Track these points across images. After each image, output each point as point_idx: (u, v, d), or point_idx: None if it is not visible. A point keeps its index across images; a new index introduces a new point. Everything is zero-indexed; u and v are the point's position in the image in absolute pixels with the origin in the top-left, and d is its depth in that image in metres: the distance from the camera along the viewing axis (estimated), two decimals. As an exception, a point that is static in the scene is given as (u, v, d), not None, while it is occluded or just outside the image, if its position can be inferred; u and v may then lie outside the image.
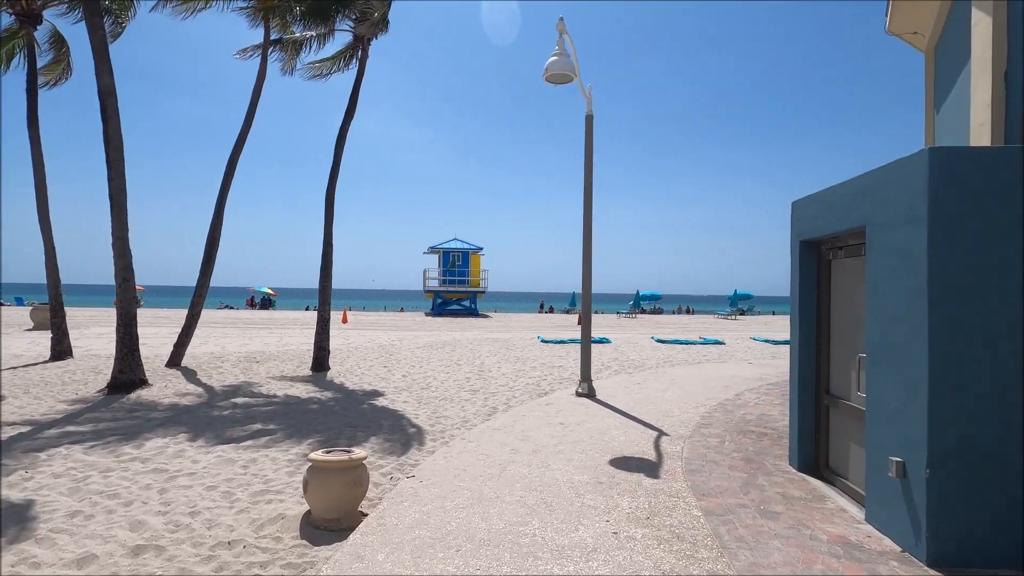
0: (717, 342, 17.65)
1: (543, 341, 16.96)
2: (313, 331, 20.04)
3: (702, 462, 4.97)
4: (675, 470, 4.75)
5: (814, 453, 4.64)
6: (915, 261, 3.16)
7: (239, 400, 7.98)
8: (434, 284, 32.95)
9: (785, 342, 18.00)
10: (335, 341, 16.04)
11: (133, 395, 8.15)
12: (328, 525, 3.90)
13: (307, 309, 44.09)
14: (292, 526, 3.94)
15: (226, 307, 39.38)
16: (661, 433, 6.02)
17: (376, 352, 13.74)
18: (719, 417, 6.83)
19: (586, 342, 8.42)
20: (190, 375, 9.92)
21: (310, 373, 10.41)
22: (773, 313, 48.61)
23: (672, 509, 3.85)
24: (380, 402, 8.04)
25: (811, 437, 4.66)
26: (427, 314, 33.25)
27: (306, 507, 4.12)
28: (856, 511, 3.82)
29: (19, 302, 34.26)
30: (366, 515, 3.92)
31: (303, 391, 8.73)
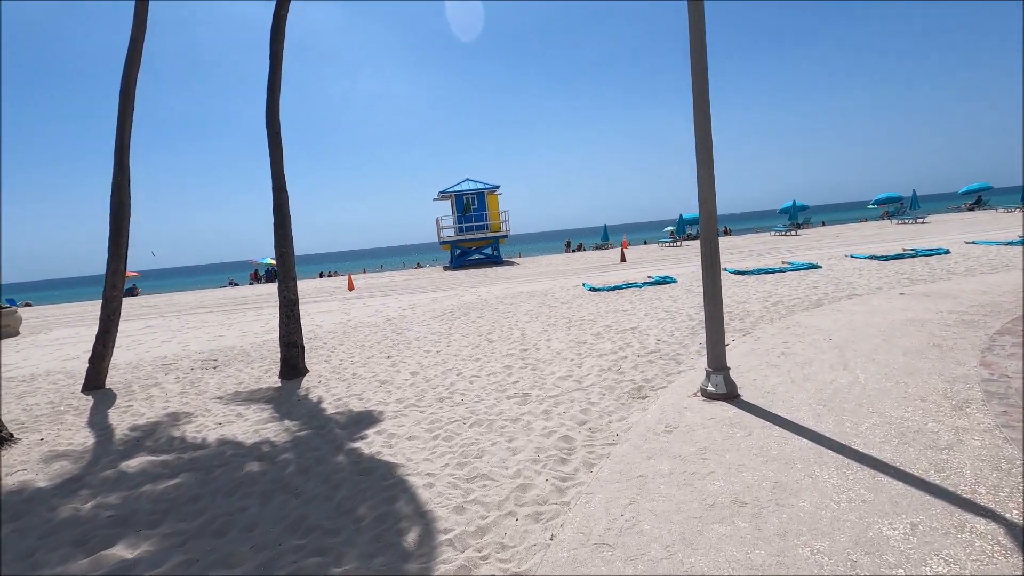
0: (811, 266, 13.86)
1: (591, 290, 13.42)
2: (315, 305, 16.90)
3: None
4: None
5: None
6: None
7: (136, 462, 4.73)
8: (449, 233, 29.20)
9: (896, 257, 14.10)
10: (333, 318, 12.81)
11: (-30, 469, 4.97)
12: None
13: (321, 276, 41.22)
14: None
15: (233, 284, 36.67)
16: None
17: (381, 331, 10.42)
18: (1050, 440, 3.27)
19: (715, 297, 4.78)
20: (102, 406, 6.74)
21: (278, 383, 7.14)
22: (823, 223, 43.95)
23: None
24: (369, 444, 4.70)
25: None
26: (445, 268, 29.83)
27: None
28: None
29: (11, 303, 31.90)
30: None
31: (251, 426, 5.44)
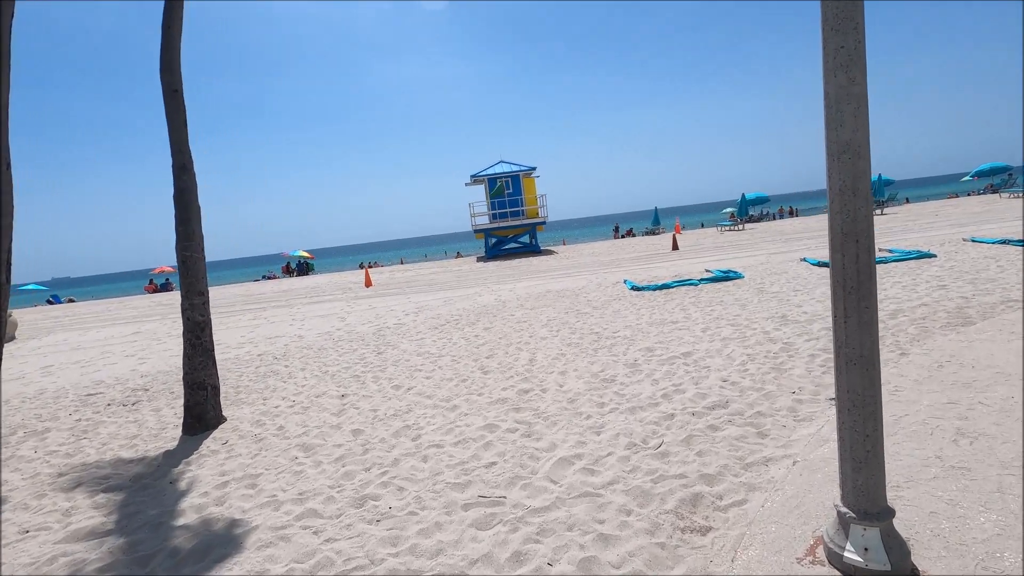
0: (923, 254, 10.75)
1: (634, 288, 10.86)
2: (318, 307, 14.77)
3: None
4: None
5: None
6: None
7: None
8: (483, 221, 26.94)
9: (1041, 240, 10.74)
10: (323, 325, 10.87)
11: None
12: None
13: (361, 267, 40.10)
14: None
15: (267, 277, 36.01)
16: None
17: (360, 350, 8.32)
18: None
19: (867, 363, 2.22)
20: (-61, 474, 4.93)
21: (176, 439, 5.12)
22: (907, 200, 38.77)
23: None
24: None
25: None
26: (480, 259, 27.66)
27: None
28: None
29: (56, 300, 32.40)
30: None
31: (51, 548, 3.40)
